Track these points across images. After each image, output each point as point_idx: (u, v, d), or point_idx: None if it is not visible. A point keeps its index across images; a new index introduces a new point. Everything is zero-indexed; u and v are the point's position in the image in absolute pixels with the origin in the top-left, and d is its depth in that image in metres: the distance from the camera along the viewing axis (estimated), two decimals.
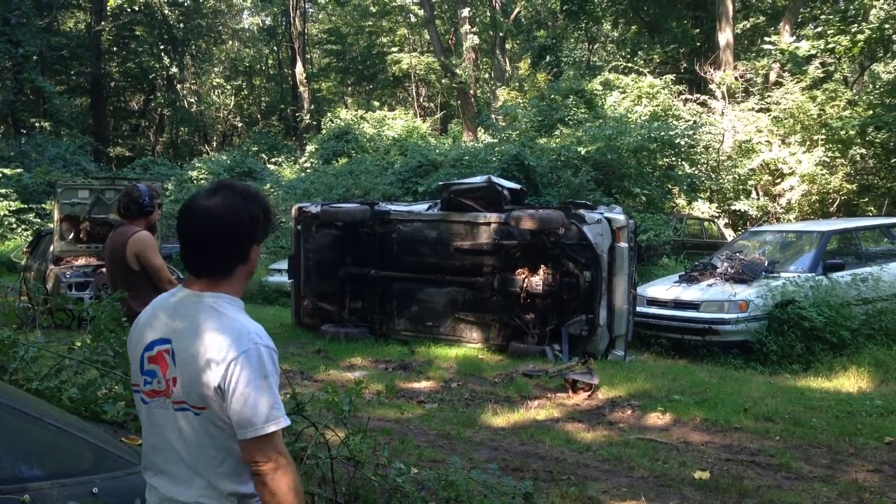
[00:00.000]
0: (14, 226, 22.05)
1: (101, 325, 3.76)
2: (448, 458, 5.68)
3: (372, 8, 41.15)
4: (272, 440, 2.04)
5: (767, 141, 20.15)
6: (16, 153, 26.58)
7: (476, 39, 33.36)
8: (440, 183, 12.13)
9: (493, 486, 4.44)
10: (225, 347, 2.04)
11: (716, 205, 20.19)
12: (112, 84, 41.71)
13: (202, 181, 25.39)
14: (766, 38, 23.40)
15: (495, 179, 10.67)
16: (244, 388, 2.01)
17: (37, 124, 32.75)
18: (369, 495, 3.98)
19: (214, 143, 45.71)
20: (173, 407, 2.13)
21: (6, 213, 22.06)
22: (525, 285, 9.70)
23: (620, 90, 21.91)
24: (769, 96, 20.99)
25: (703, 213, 19.55)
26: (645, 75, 22.80)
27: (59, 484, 2.66)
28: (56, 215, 12.02)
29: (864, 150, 19.10)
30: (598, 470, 5.71)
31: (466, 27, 33.24)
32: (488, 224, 10.11)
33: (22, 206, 21.90)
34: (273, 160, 31.16)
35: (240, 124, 48.18)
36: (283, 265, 13.56)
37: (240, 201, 2.16)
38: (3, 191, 22.40)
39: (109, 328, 3.76)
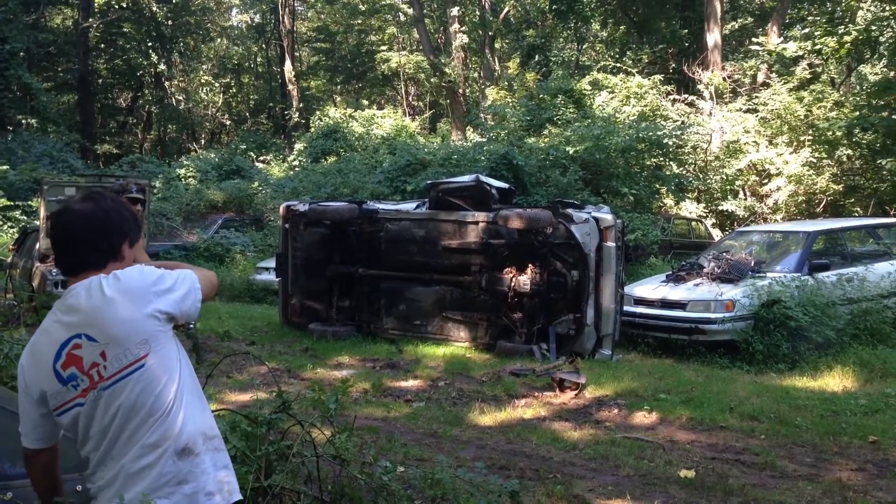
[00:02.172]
0: (0, 223, 21.88)
1: None
2: (435, 456, 5.70)
3: (361, 6, 41.11)
4: None
5: (755, 141, 20.23)
6: (2, 150, 26.36)
7: (465, 38, 33.38)
8: (428, 182, 12.13)
9: (479, 485, 4.45)
10: (136, 282, 2.26)
11: (703, 205, 20.27)
12: (100, 81, 41.43)
13: (190, 178, 25.30)
14: (754, 39, 23.50)
15: (483, 178, 10.69)
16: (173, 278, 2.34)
17: (24, 121, 32.50)
18: (355, 493, 3.97)
19: (203, 141, 45.51)
20: (104, 391, 2.22)
21: None
22: (513, 284, 9.72)
23: (609, 90, 21.95)
24: (756, 97, 21.07)
25: (690, 213, 19.62)
26: (633, 75, 22.85)
27: None
28: (42, 213, 11.95)
29: (850, 151, 19.20)
30: (585, 468, 5.73)
31: (456, 26, 33.26)
32: (476, 223, 10.12)
33: (8, 203, 21.72)
34: (261, 158, 31.07)
35: (228, 122, 48.00)
36: (271, 263, 13.53)
37: (109, 203, 2.36)
38: None
39: None
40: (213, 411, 3.85)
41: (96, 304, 2.21)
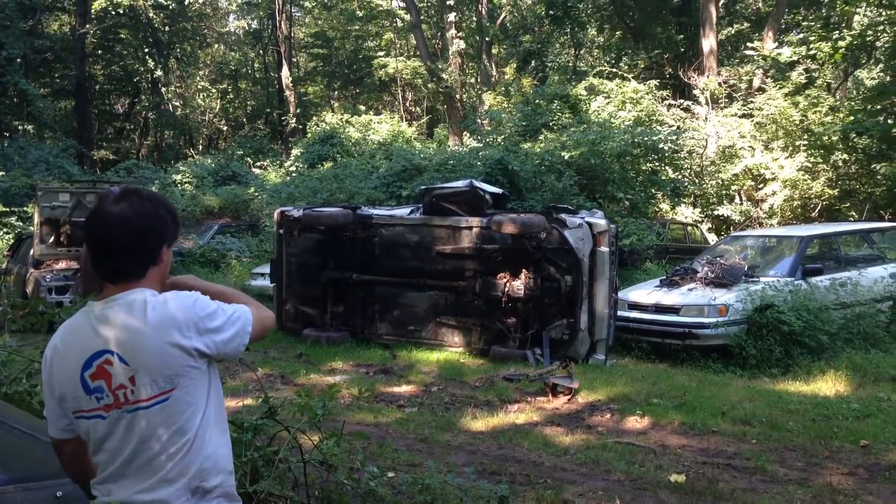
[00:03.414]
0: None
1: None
2: (426, 462, 5.69)
3: (358, 12, 41.12)
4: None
5: (750, 146, 20.26)
6: None
7: (462, 44, 33.39)
8: (422, 187, 12.13)
9: (467, 490, 4.45)
10: (182, 314, 2.15)
11: (699, 209, 20.28)
12: (97, 87, 41.43)
13: (186, 184, 25.26)
14: (749, 44, 23.54)
15: (477, 184, 10.69)
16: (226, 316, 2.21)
17: (20, 127, 32.51)
18: (342, 499, 3.98)
19: (200, 147, 45.49)
20: (128, 413, 2.15)
21: None
22: (506, 289, 9.73)
23: (605, 95, 21.97)
24: (752, 102, 21.10)
25: (686, 217, 19.62)
26: (629, 80, 22.88)
27: (23, 488, 2.64)
28: (36, 219, 11.97)
29: (845, 156, 19.23)
30: (575, 473, 5.73)
31: (452, 32, 33.29)
32: (470, 228, 10.14)
33: (3, 209, 21.72)
34: (258, 164, 31.05)
35: (225, 128, 47.99)
36: (266, 269, 13.51)
37: (147, 205, 2.21)
38: None
39: None
40: None
41: (136, 326, 2.14)
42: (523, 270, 9.72)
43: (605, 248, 9.53)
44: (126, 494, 2.17)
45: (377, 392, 8.17)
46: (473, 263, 10.08)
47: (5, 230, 21.30)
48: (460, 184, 10.86)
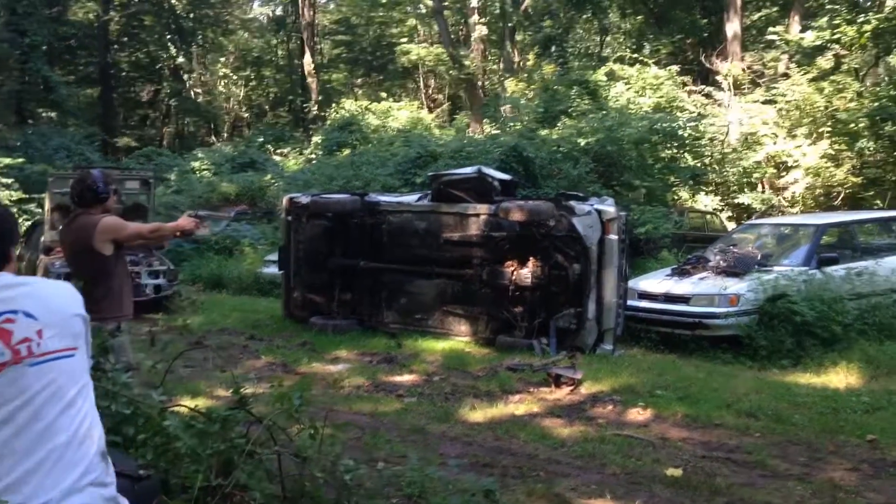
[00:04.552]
0: (16, 216, 22.03)
1: None
2: (420, 453, 5.61)
3: None
4: None
5: (773, 133, 19.91)
6: (20, 143, 26.63)
7: (485, 30, 33.19)
8: (430, 173, 12.01)
9: (450, 483, 4.36)
10: (72, 291, 2.33)
11: (719, 198, 19.99)
12: (122, 74, 41.73)
13: (204, 171, 25.37)
14: (771, 29, 23.11)
15: (485, 170, 10.55)
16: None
17: (43, 114, 32.82)
18: (317, 492, 3.89)
19: (225, 135, 45.69)
20: (30, 367, 2.10)
21: (8, 202, 22.06)
22: (514, 278, 9.58)
23: (625, 81, 21.68)
24: (775, 88, 20.71)
25: (705, 206, 19.35)
26: (649, 66, 22.55)
27: None
28: (47, 205, 12.00)
29: (871, 143, 18.81)
30: (570, 466, 5.60)
31: (475, 17, 33.09)
32: (478, 215, 9.99)
33: (23, 196, 21.94)
34: (279, 151, 31.11)
35: (246, 115, 48.13)
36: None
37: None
38: (5, 180, 22.45)
39: None
40: (169, 408, 3.80)
41: (38, 283, 2.27)
42: (531, 258, 9.56)
43: (614, 236, 9.35)
44: (20, 470, 2.02)
45: (378, 381, 8.09)
46: (481, 251, 9.95)
47: (25, 217, 21.51)
48: (468, 170, 10.72)
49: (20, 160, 23.19)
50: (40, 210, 20.58)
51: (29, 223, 19.01)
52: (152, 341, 4.24)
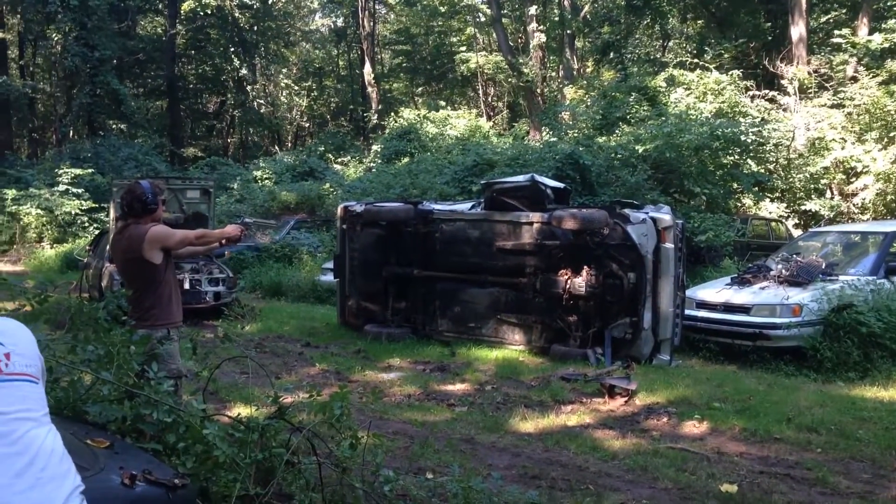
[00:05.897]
0: (86, 224, 22.85)
1: (77, 324, 3.76)
2: (467, 463, 5.56)
3: (441, 8, 41.10)
4: None
5: (842, 138, 19.30)
6: (91, 154, 27.52)
7: (543, 38, 32.99)
8: (483, 182, 11.96)
9: (491, 496, 4.29)
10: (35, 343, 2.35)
11: (785, 205, 19.44)
12: (189, 86, 42.78)
13: (265, 181, 25.78)
14: (837, 32, 22.41)
15: (538, 178, 10.46)
16: None
17: (113, 126, 33.83)
18: (356, 503, 3.87)
19: (288, 144, 46.40)
20: (3, 381, 2.14)
21: (78, 211, 22.88)
22: (567, 286, 9.47)
23: (685, 87, 21.27)
24: (843, 92, 20.07)
25: (770, 213, 18.85)
26: (710, 71, 22.09)
27: None
28: (112, 214, 12.31)
29: None
30: (620, 480, 5.48)
31: (534, 25, 32.95)
32: (531, 224, 9.91)
33: (94, 205, 22.66)
34: (339, 160, 31.43)
35: (308, 125, 48.79)
36: None
37: None
38: (76, 190, 23.26)
39: (88, 325, 3.74)
40: (209, 415, 3.82)
41: (10, 323, 2.31)
42: (585, 267, 9.44)
43: (670, 245, 9.17)
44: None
45: (430, 390, 8.07)
46: (534, 259, 9.86)
47: (95, 226, 22.21)
48: (521, 178, 10.65)
49: (90, 171, 23.92)
50: (108, 219, 21.21)
51: (97, 231, 19.63)
52: (194, 349, 4.26)
